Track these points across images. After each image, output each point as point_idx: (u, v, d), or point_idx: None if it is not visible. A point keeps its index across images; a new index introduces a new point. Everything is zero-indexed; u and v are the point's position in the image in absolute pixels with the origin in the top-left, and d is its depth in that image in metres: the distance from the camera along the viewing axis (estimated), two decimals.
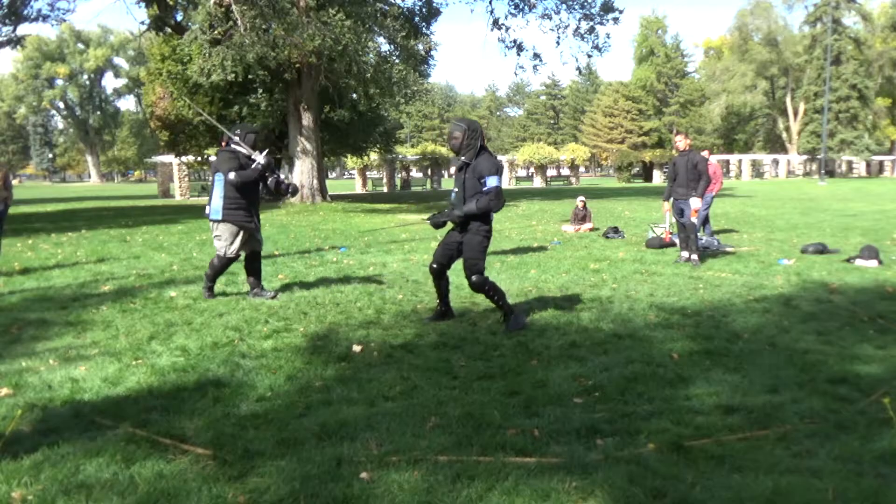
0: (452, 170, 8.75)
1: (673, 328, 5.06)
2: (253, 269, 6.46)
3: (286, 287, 6.93)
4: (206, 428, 3.23)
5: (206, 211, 6.30)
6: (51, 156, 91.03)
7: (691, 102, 67.21)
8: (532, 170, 47.95)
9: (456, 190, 8.39)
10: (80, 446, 3.02)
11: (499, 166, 5.05)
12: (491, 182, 4.94)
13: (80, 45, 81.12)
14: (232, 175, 6.03)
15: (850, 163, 56.29)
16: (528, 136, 78.12)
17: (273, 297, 6.38)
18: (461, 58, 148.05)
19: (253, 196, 6.29)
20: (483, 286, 5.08)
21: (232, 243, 6.23)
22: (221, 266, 6.37)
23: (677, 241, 9.22)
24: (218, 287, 6.92)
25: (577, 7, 21.79)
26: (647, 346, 4.57)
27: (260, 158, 6.14)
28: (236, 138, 6.24)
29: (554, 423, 3.26)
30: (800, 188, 33.53)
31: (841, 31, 52.95)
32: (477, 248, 5.06)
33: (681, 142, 8.54)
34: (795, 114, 58.71)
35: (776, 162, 55.30)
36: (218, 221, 6.19)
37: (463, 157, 5.07)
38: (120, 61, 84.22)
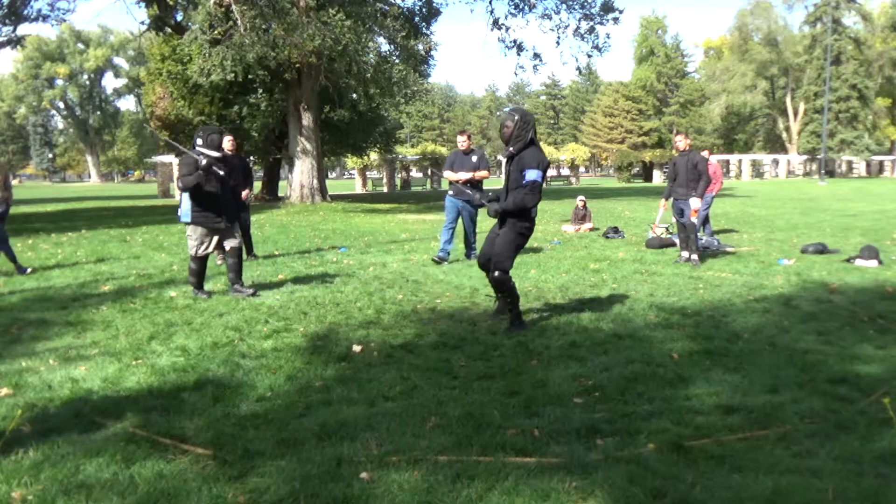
0: (447, 173, 8.41)
1: (673, 328, 5.06)
2: (233, 265, 6.54)
3: (286, 287, 6.94)
4: (206, 428, 3.23)
5: (178, 213, 6.43)
6: (51, 156, 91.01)
7: (691, 102, 67.23)
8: None
9: (451, 193, 8.22)
10: (80, 446, 3.02)
11: (542, 161, 4.93)
12: (529, 175, 4.84)
13: (80, 45, 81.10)
14: (179, 182, 6.15)
15: (850, 163, 56.28)
16: None
17: (253, 294, 6.45)
18: (461, 58, 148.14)
19: (219, 197, 6.32)
20: (503, 284, 5.01)
21: (202, 243, 6.35)
22: (198, 267, 6.46)
23: (677, 240, 9.22)
24: (218, 287, 6.93)
25: (577, 7, 21.79)
26: (647, 346, 4.57)
27: (200, 159, 6.13)
28: (199, 141, 6.31)
29: (554, 423, 3.26)
30: (800, 188, 33.55)
31: (841, 31, 52.93)
32: (509, 244, 4.98)
33: (681, 142, 8.54)
34: (795, 114, 58.70)
35: (776, 162, 55.30)
36: (187, 223, 6.33)
37: (511, 148, 4.97)
38: (120, 61, 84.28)
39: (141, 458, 2.90)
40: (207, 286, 6.91)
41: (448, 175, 8.50)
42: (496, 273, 4.97)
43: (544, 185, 5.15)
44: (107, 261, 9.11)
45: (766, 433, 3.10)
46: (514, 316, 5.09)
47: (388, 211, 19.31)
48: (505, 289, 5.04)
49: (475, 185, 8.17)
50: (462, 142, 8.46)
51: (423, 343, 4.74)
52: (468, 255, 8.71)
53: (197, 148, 6.27)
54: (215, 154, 6.27)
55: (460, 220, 8.78)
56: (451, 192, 8.62)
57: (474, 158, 8.36)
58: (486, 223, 7.30)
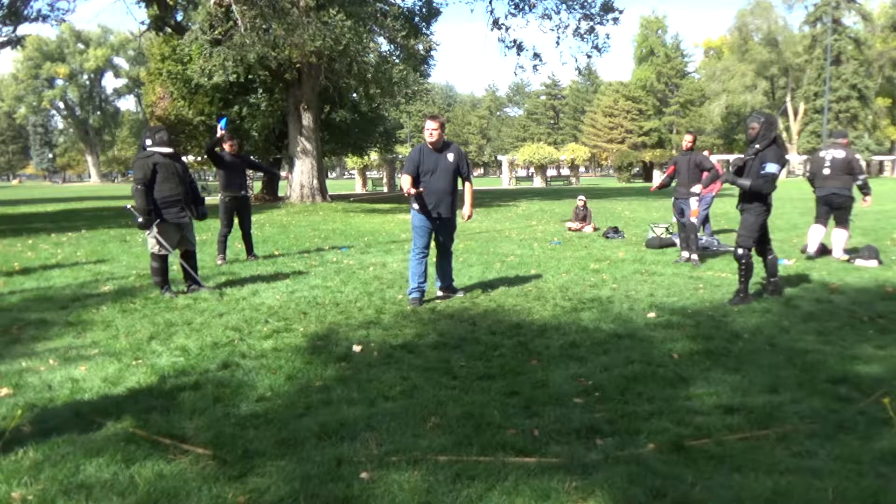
0: (405, 182, 5.93)
1: (673, 328, 5.05)
2: (189, 266, 6.71)
3: (286, 287, 6.93)
4: (206, 428, 3.23)
5: (128, 207, 6.63)
6: (51, 156, 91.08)
7: (691, 102, 67.28)
8: (532, 170, 47.98)
9: (416, 207, 6.17)
10: (80, 446, 3.02)
11: (781, 157, 5.74)
12: (769, 168, 5.70)
13: (80, 45, 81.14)
14: (134, 187, 6.29)
15: None
16: (528, 136, 78.15)
17: (216, 289, 6.58)
18: (461, 58, 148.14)
19: (179, 191, 6.40)
20: (740, 260, 5.90)
21: (164, 240, 6.41)
22: (159, 265, 6.50)
23: (677, 240, 9.22)
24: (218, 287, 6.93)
25: (577, 7, 21.81)
26: (647, 346, 4.56)
27: (138, 218, 6.25)
28: (149, 142, 6.38)
29: (554, 423, 3.26)
30: (800, 188, 33.51)
31: (841, 31, 52.93)
32: (751, 226, 5.91)
33: (687, 141, 8.55)
34: (795, 114, 58.71)
35: None
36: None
37: (756, 146, 5.81)
38: (120, 61, 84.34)
39: (141, 458, 2.90)
40: (210, 285, 6.91)
41: (408, 186, 5.85)
42: (739, 250, 5.92)
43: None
44: (107, 261, 9.11)
45: (766, 433, 3.10)
46: (741, 289, 5.92)
47: (388, 211, 19.31)
48: (741, 263, 5.90)
49: (453, 191, 6.08)
50: (432, 131, 5.86)
51: (423, 343, 4.74)
52: (444, 288, 6.41)
53: (148, 149, 6.32)
54: (166, 150, 6.37)
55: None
56: (415, 206, 6.06)
57: (451, 157, 5.99)
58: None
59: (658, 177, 48.38)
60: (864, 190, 8.46)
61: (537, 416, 3.36)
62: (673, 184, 8.76)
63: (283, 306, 6.02)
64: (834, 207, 8.56)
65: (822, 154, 8.66)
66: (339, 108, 25.06)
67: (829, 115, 45.58)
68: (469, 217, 6.25)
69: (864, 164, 8.61)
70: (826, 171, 8.47)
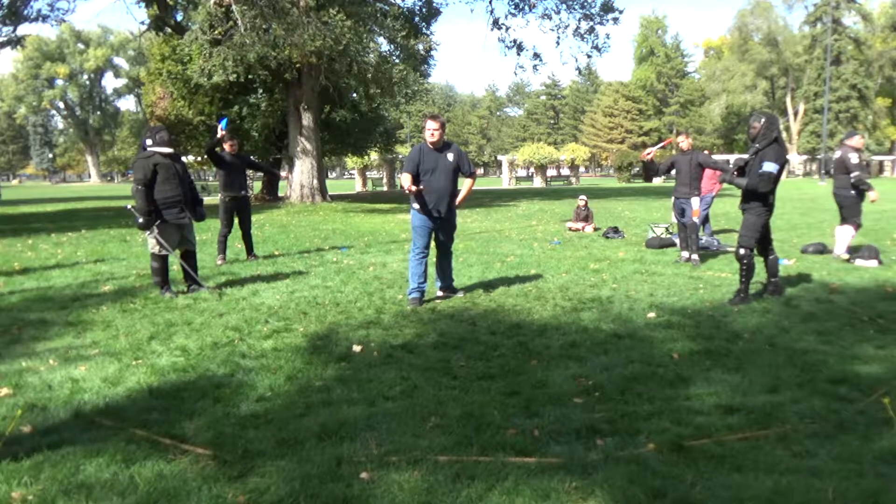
0: (405, 179, 5.92)
1: (673, 328, 5.05)
2: (189, 266, 6.72)
3: (286, 287, 6.93)
4: (206, 428, 3.23)
5: (128, 207, 6.62)
6: (51, 156, 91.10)
7: (691, 102, 67.31)
8: (532, 170, 47.96)
9: (417, 206, 6.19)
10: (80, 446, 3.02)
11: (780, 157, 5.71)
12: (766, 167, 5.69)
13: (80, 45, 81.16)
14: (134, 187, 6.31)
15: None
16: (528, 136, 78.10)
17: (216, 289, 6.62)
18: (461, 58, 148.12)
19: (179, 191, 6.40)
20: (741, 260, 5.93)
21: (164, 241, 6.42)
22: (159, 265, 6.51)
23: (677, 240, 9.22)
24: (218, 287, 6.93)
25: (577, 7, 21.82)
26: (647, 346, 4.56)
27: (138, 219, 6.27)
28: (149, 142, 6.38)
29: (554, 423, 3.26)
30: (800, 188, 33.53)
31: (841, 31, 52.95)
32: (751, 226, 5.93)
33: (683, 142, 8.55)
34: (795, 114, 58.71)
35: None
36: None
37: (756, 145, 5.81)
38: (120, 61, 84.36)
39: (141, 458, 2.90)
40: (210, 285, 6.91)
41: (408, 184, 5.87)
42: (741, 250, 5.95)
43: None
44: (107, 261, 9.11)
45: (766, 433, 3.10)
46: (741, 289, 5.94)
47: (388, 211, 19.30)
48: (742, 264, 5.93)
49: (453, 191, 6.14)
50: (433, 131, 5.91)
51: (423, 343, 4.74)
52: (444, 287, 6.46)
53: (148, 149, 6.33)
54: (167, 150, 6.37)
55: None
56: (416, 206, 6.10)
57: (451, 157, 6.04)
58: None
59: (658, 178, 48.37)
60: (861, 186, 8.38)
61: (537, 416, 3.36)
62: (661, 180, 8.82)
63: (283, 306, 6.02)
64: (838, 205, 8.87)
65: (832, 155, 9.31)
66: (339, 108, 25.07)
67: (829, 115, 45.59)
68: (457, 205, 6.25)
69: (856, 160, 8.36)
70: (832, 171, 8.99)
